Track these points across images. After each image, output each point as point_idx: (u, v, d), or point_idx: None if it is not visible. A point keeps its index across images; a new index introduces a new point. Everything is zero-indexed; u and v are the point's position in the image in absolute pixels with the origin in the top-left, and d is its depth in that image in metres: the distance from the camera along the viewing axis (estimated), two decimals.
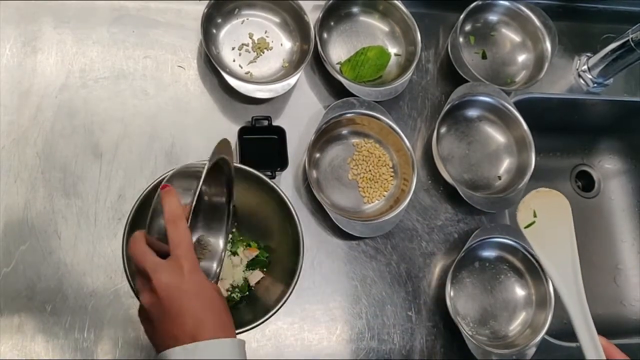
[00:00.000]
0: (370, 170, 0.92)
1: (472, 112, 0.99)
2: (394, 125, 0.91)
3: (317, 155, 0.91)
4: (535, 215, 0.66)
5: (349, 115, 0.90)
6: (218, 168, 0.67)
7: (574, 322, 0.62)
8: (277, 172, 0.84)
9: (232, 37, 0.93)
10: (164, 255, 0.55)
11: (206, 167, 0.59)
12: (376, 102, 0.91)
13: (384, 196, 0.91)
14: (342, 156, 0.93)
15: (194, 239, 0.73)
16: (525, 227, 0.65)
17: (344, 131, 0.93)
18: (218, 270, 0.72)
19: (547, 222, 0.65)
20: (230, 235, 0.81)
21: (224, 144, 0.64)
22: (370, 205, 0.91)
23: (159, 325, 0.54)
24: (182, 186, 0.59)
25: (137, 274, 0.56)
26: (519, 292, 0.93)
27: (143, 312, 0.56)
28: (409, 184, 0.89)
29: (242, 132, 0.85)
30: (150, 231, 0.57)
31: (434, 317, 0.88)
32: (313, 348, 0.83)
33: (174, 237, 0.54)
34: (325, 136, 0.91)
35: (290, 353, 0.82)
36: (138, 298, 0.56)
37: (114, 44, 0.89)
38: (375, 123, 0.92)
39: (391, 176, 0.93)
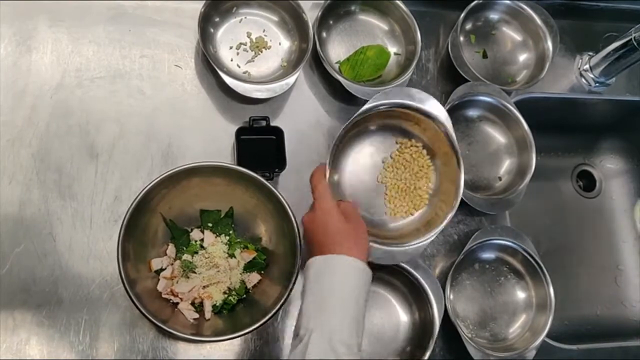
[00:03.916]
0: (405, 179, 0.78)
1: (473, 112, 0.98)
2: (453, 137, 0.75)
3: (350, 145, 0.78)
4: None
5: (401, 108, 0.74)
6: None
7: None
8: (275, 173, 0.83)
9: (229, 36, 0.92)
10: None
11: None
12: None
13: (411, 214, 0.77)
14: (378, 154, 0.79)
15: None
16: None
17: (391, 123, 0.78)
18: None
19: None
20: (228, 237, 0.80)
21: None
22: (392, 219, 0.77)
23: (308, 245, 0.69)
24: None
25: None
26: (519, 294, 0.92)
27: (304, 225, 0.71)
28: (446, 211, 0.73)
29: (240, 132, 0.84)
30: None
31: None
32: None
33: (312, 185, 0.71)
34: (363, 125, 0.77)
35: (288, 356, 0.81)
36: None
37: (110, 43, 0.88)
38: (431, 126, 0.76)
39: (428, 193, 0.78)
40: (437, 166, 0.79)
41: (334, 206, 0.68)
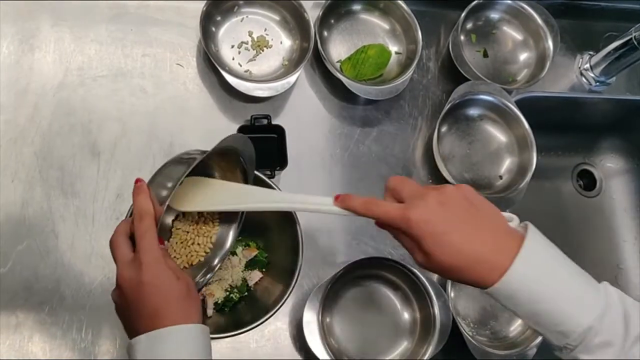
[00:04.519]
0: (188, 232, 0.72)
1: (473, 111, 0.99)
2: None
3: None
4: None
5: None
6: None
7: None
8: (276, 172, 0.83)
9: (231, 35, 0.92)
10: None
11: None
12: (376, 100, 0.90)
13: (185, 267, 0.71)
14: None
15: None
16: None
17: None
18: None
19: None
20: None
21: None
22: None
23: (124, 317, 0.58)
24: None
25: None
26: None
27: (123, 290, 0.57)
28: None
29: (241, 131, 0.85)
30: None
31: None
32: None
33: (137, 231, 0.56)
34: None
35: (290, 354, 0.81)
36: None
37: (112, 42, 0.89)
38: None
39: (205, 251, 0.72)
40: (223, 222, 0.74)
41: (162, 260, 0.55)
